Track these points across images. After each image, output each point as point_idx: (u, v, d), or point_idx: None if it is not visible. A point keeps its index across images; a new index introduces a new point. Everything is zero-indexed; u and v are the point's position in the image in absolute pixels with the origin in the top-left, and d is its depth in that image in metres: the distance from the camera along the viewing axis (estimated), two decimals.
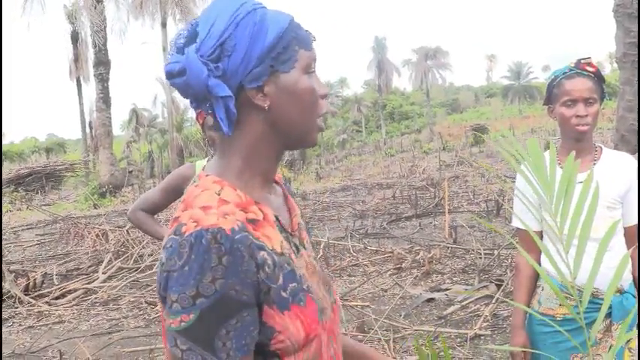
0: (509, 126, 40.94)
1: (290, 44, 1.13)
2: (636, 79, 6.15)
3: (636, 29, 6.09)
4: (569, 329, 2.17)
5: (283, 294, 1.09)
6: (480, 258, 7.92)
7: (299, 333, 1.11)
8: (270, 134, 1.16)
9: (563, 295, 1.46)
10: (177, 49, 1.12)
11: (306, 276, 1.18)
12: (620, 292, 2.34)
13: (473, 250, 8.38)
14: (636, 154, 4.63)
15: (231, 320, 1.01)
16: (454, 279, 7.33)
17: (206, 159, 3.37)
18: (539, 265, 2.43)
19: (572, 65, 2.39)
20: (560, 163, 2.39)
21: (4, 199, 21.90)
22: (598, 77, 2.38)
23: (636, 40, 6.13)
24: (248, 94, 1.11)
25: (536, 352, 2.40)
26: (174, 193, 3.33)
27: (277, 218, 1.18)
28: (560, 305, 2.38)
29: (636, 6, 6.09)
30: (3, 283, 7.80)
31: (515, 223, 2.55)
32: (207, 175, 1.16)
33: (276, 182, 1.30)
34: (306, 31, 1.19)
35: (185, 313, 1.00)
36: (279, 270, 1.10)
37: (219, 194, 1.10)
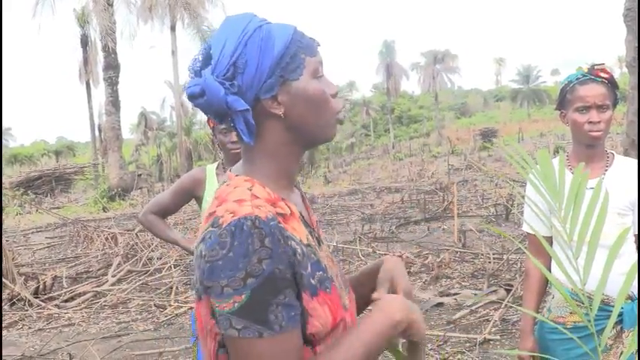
0: (518, 130, 40.78)
1: (296, 53, 1.23)
2: None
3: None
4: (579, 337, 2.16)
5: (312, 281, 1.19)
6: (489, 262, 7.90)
7: (327, 316, 1.20)
8: (289, 138, 1.26)
9: (574, 302, 1.46)
10: (195, 73, 1.24)
11: (329, 266, 1.28)
12: (632, 299, 2.33)
13: (482, 255, 8.35)
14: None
15: (280, 295, 1.11)
16: (463, 283, 7.31)
17: (215, 163, 3.38)
18: (550, 271, 2.42)
19: (586, 71, 2.38)
20: (571, 169, 2.38)
21: (14, 201, 22.02)
22: (611, 83, 2.36)
23: None
24: (264, 104, 1.22)
25: (545, 356, 2.39)
26: (186, 196, 3.35)
27: (301, 214, 1.30)
28: (570, 313, 2.37)
29: None
30: (13, 286, 7.84)
31: (526, 228, 2.54)
32: (236, 176, 1.27)
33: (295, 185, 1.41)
34: (310, 38, 1.28)
35: (237, 294, 1.09)
36: (308, 259, 1.20)
37: (250, 190, 1.20)
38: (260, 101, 1.21)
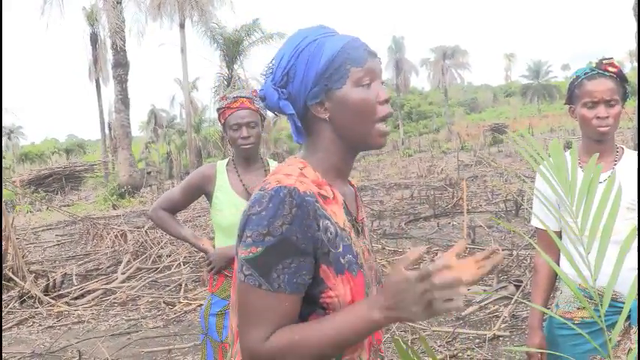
0: (528, 125, 40.60)
1: (342, 64, 1.39)
2: None
3: None
4: (587, 332, 2.15)
5: (341, 260, 1.34)
6: None
7: (346, 295, 1.33)
8: (336, 138, 1.44)
9: (584, 298, 1.44)
10: (265, 79, 1.46)
11: (361, 256, 1.42)
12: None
13: None
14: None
15: (288, 259, 1.27)
16: None
17: (226, 159, 3.37)
18: (559, 266, 2.40)
19: (594, 65, 2.35)
20: (580, 164, 2.36)
21: (25, 199, 22.13)
22: (620, 78, 2.33)
23: None
24: (312, 109, 1.42)
25: (553, 352, 2.37)
26: (195, 192, 3.33)
27: (345, 202, 1.45)
28: (578, 308, 2.35)
29: None
30: (24, 284, 7.88)
31: (535, 223, 2.52)
32: (295, 158, 1.46)
33: (351, 184, 1.59)
34: (365, 49, 1.42)
35: (255, 246, 1.28)
36: (340, 240, 1.35)
37: (301, 169, 1.39)
38: (309, 106, 1.41)
